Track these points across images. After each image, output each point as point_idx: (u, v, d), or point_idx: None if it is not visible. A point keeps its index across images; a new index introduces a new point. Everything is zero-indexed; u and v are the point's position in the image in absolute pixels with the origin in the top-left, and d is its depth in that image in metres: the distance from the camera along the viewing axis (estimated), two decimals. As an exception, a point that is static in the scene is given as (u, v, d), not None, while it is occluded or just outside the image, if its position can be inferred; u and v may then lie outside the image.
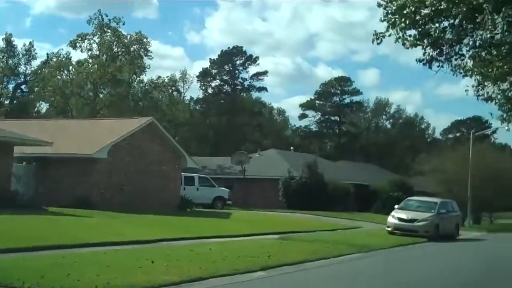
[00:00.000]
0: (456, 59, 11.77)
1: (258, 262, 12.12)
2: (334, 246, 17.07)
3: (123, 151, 27.64)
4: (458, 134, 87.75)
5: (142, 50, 55.86)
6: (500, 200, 41.26)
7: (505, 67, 13.64)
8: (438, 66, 11.24)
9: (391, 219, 24.50)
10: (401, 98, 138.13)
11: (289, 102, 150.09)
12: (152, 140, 29.87)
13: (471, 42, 11.68)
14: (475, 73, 14.98)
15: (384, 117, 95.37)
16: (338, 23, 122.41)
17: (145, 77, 58.99)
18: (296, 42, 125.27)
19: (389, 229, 23.99)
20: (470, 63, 12.65)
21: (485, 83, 15.81)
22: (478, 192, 37.83)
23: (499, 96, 17.13)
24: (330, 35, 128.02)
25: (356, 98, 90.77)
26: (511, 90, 16.26)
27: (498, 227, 38.31)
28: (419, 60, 11.14)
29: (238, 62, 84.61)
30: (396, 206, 26.03)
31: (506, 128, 38.82)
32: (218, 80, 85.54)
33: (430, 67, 11.20)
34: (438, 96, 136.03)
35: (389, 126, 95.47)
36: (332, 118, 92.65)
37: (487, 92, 16.41)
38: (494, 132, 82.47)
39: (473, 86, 16.15)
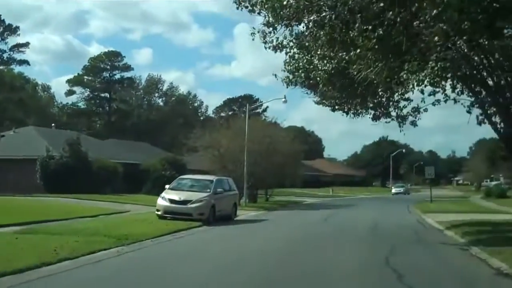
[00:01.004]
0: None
1: None
2: (86, 239, 12.92)
3: None
4: (230, 113, 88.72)
5: None
6: (275, 176, 40.57)
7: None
8: None
9: (161, 201, 20.90)
10: (175, 78, 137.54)
11: (59, 81, 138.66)
12: None
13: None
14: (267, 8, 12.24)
15: (156, 94, 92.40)
16: (109, 1, 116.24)
17: None
18: (66, 19, 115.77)
19: (159, 212, 20.37)
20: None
21: (276, 25, 13.10)
22: (253, 168, 36.61)
23: (291, 44, 14.68)
24: (101, 13, 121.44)
25: (127, 74, 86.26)
26: (306, 36, 14.01)
27: (274, 205, 37.63)
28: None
29: (-5, 33, 73.89)
30: (167, 186, 22.58)
31: (283, 100, 38.48)
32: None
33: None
34: (210, 76, 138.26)
35: (161, 104, 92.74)
36: (102, 94, 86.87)
37: (277, 38, 13.83)
38: (264, 110, 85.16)
39: (262, 26, 13.43)
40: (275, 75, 16.23)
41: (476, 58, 13.94)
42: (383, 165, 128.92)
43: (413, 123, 17.91)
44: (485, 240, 13.61)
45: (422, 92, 13.77)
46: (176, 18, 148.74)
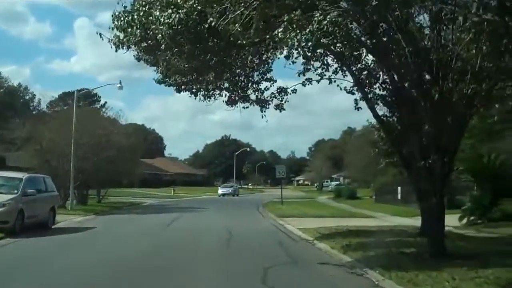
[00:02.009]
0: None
1: None
2: None
3: None
4: (66, 107, 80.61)
5: None
6: (109, 174, 35.10)
7: None
8: None
9: None
10: (10, 71, 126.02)
11: None
12: None
13: None
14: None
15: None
16: None
17: None
18: None
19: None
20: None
21: None
22: (83, 164, 31.30)
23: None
24: None
25: None
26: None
27: (108, 207, 32.64)
28: None
29: None
30: (-45, 188, 16.93)
31: (119, 86, 33.61)
32: None
33: None
34: (49, 71, 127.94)
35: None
36: None
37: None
38: (103, 106, 78.91)
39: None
40: (100, 34, 11.76)
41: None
42: (225, 164, 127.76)
43: (279, 107, 14.53)
44: (376, 258, 10.43)
45: (293, 62, 10.57)
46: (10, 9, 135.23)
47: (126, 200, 43.46)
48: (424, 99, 11.02)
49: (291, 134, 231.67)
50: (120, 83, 33.61)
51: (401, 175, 28.23)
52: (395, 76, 12.22)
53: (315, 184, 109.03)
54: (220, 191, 69.41)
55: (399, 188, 32.80)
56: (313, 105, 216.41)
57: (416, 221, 22.46)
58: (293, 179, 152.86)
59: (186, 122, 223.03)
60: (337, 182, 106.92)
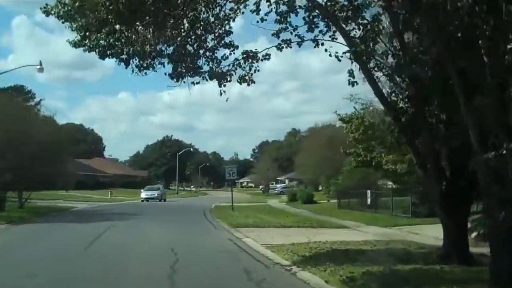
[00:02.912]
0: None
1: None
2: None
3: None
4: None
5: None
6: (32, 174, 29.61)
7: None
8: None
9: None
10: None
11: None
12: None
13: None
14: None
15: None
16: None
17: None
18: None
19: None
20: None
21: None
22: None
23: None
24: None
25: None
26: None
27: (30, 214, 27.71)
28: None
29: None
30: None
31: (38, 67, 28.57)
32: None
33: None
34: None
35: None
36: None
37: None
38: (38, 104, 72.78)
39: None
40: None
41: None
42: (167, 165, 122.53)
43: (245, 80, 10.39)
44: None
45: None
46: None
47: (54, 205, 38.31)
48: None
49: (233, 136, 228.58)
50: (41, 64, 28.60)
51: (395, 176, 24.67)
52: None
53: (260, 187, 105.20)
54: (143, 194, 55.62)
55: (368, 192, 29.07)
56: (254, 108, 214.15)
57: (401, 232, 18.89)
58: (236, 181, 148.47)
59: (128, 123, 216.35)
60: (283, 185, 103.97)
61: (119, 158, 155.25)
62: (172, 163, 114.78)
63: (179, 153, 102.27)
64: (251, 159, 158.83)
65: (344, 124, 26.21)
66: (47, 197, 47.82)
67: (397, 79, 9.80)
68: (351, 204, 32.17)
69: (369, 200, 28.84)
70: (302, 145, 78.12)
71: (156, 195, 55.40)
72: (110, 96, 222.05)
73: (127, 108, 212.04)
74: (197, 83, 10.97)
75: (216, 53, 10.94)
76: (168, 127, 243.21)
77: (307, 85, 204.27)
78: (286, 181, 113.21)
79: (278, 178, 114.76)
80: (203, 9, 9.92)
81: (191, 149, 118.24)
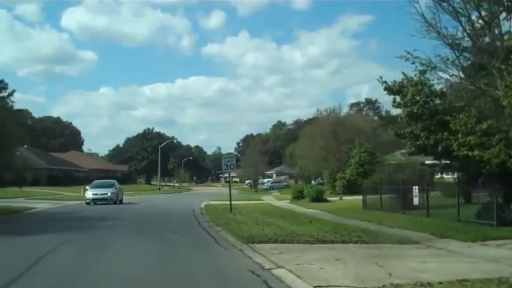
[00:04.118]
0: None
1: None
2: None
3: None
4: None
5: None
6: None
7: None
8: None
9: None
10: None
11: None
12: None
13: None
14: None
15: None
16: None
17: None
18: None
19: None
20: None
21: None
22: None
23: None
24: None
25: None
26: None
27: None
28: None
29: None
30: None
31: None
32: None
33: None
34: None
35: None
36: None
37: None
38: (11, 94, 65.06)
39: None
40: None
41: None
42: (148, 159, 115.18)
43: None
44: None
45: None
46: None
47: (6, 205, 31.04)
48: None
49: (216, 130, 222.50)
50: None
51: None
52: None
53: (247, 182, 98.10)
54: (89, 194, 38.01)
55: (415, 188, 21.93)
56: (237, 102, 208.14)
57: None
58: (220, 176, 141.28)
59: (109, 118, 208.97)
60: (272, 179, 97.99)
61: (99, 153, 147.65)
62: (153, 157, 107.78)
63: (161, 145, 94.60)
64: (235, 153, 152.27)
65: (392, 95, 19.25)
66: (9, 195, 40.49)
67: None
68: (385, 204, 25.16)
69: (416, 199, 21.80)
70: (299, 136, 71.12)
71: (108, 194, 38.12)
72: (91, 90, 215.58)
73: (108, 103, 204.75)
74: None
75: None
76: (150, 121, 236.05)
77: (289, 79, 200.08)
78: (274, 175, 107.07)
79: (265, 172, 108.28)
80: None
81: (174, 141, 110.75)
